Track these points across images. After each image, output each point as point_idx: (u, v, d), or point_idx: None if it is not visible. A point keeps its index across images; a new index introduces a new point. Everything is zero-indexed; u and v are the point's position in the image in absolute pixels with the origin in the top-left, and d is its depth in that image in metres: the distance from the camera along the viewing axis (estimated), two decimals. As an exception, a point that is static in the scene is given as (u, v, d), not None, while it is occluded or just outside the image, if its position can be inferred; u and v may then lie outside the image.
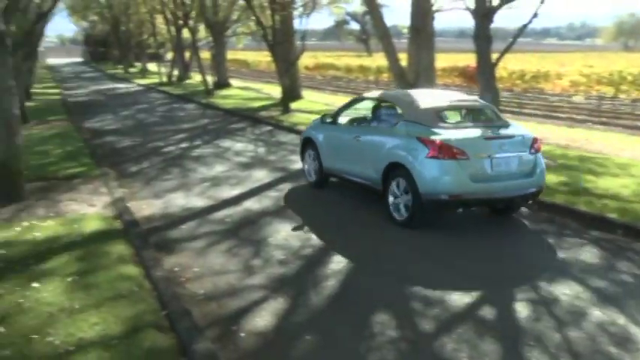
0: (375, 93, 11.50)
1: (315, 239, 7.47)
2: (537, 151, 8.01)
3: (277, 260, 6.75)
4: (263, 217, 8.46)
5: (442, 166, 7.43)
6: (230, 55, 58.50)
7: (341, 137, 9.47)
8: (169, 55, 46.53)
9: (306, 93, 31.44)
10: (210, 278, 6.21)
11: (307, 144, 10.43)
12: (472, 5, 13.20)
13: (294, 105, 22.90)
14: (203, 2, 29.80)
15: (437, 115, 8.06)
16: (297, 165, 12.09)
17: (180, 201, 9.41)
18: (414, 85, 17.05)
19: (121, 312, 5.08)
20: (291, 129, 17.08)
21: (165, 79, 38.68)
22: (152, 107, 25.24)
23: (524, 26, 13.10)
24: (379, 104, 9.65)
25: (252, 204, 9.21)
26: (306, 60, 46.07)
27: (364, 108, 10.48)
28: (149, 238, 7.33)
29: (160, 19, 42.23)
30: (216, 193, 9.90)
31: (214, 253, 7.01)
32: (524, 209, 8.74)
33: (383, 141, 8.35)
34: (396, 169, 7.93)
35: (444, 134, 7.60)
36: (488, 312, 5.46)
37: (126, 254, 6.56)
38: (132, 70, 55.68)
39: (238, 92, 31.24)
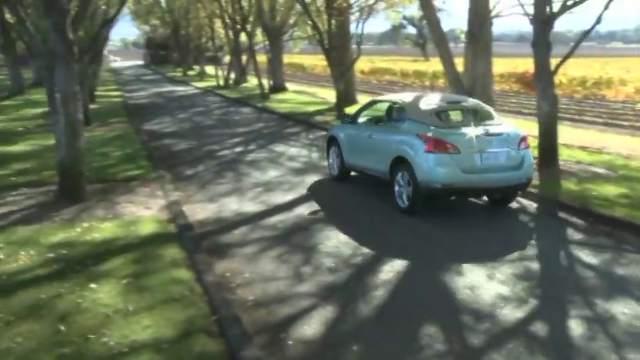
0: (389, 96, 12.32)
1: (365, 249, 7.45)
2: (526, 147, 8.92)
3: (327, 268, 6.76)
4: (314, 224, 8.49)
5: (437, 159, 8.45)
6: (286, 58, 59.02)
7: (358, 135, 10.50)
8: (227, 59, 47.27)
9: (361, 97, 31.42)
10: (260, 284, 6.27)
11: (331, 142, 11.48)
12: (531, 11, 12.89)
13: (348, 109, 22.92)
14: (261, 7, 30.17)
15: (436, 115, 9.17)
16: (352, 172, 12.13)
17: (233, 205, 9.55)
18: (470, 92, 16.86)
19: (172, 316, 5.20)
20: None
21: (222, 82, 39.33)
22: (208, 110, 25.71)
23: (586, 33, 12.65)
24: (391, 106, 10.51)
25: (303, 210, 9.25)
26: (361, 64, 46.05)
27: (379, 109, 11.43)
28: (202, 243, 7.47)
29: (218, 24, 43.01)
30: (269, 199, 10.00)
31: (265, 259, 7.08)
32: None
33: (391, 138, 9.45)
34: (400, 163, 8.95)
35: (439, 131, 8.65)
36: (540, 328, 5.33)
37: (179, 258, 6.71)
38: (190, 73, 56.91)
39: (294, 96, 31.49)
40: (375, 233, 8.13)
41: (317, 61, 50.97)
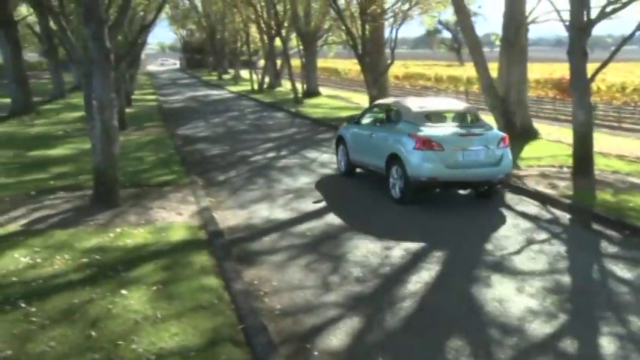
0: (388, 100, 13.09)
1: (395, 258, 7.43)
2: (505, 146, 10.08)
3: (355, 277, 6.77)
4: (343, 233, 8.50)
5: (424, 156, 9.62)
6: (320, 62, 59.14)
7: (361, 135, 11.69)
8: (261, 63, 47.64)
9: (394, 103, 31.36)
10: (288, 293, 6.31)
11: (339, 141, 12.64)
12: (568, 17, 12.69)
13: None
14: (295, 13, 30.33)
15: (426, 117, 10.31)
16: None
17: (263, 212, 9.62)
18: (504, 99, 16.67)
19: (199, 324, 5.26)
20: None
21: (256, 86, 39.65)
22: (242, 115, 25.94)
23: (626, 39, 12.41)
24: (389, 108, 11.37)
25: (333, 218, 9.27)
26: (395, 69, 45.87)
27: (379, 111, 12.06)
28: (231, 250, 7.54)
29: (253, 28, 43.39)
30: (299, 206, 10.04)
31: (293, 267, 7.12)
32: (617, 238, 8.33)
33: (387, 137, 10.62)
34: (394, 159, 10.12)
35: (427, 131, 9.81)
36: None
37: (208, 265, 6.79)
38: (225, 76, 57.54)
39: (327, 101, 31.56)
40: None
41: (351, 66, 50.89)
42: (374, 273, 6.92)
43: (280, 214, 9.56)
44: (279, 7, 33.75)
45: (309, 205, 10.11)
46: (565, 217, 9.41)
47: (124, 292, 5.87)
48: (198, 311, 5.53)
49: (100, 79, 8.90)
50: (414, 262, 7.28)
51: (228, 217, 9.30)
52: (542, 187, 10.91)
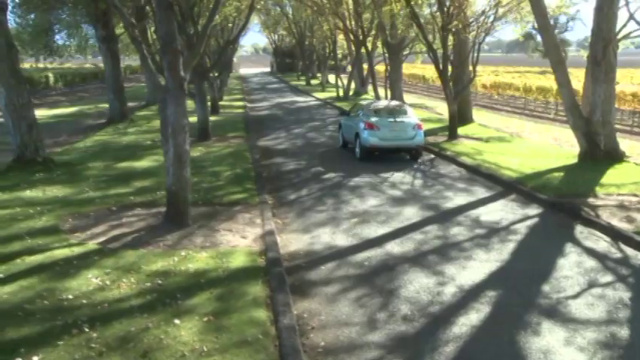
0: (360, 102, 21.69)
1: (447, 295, 7.42)
2: (419, 128, 16.79)
3: (402, 315, 6.83)
4: (401, 264, 8.56)
5: (369, 133, 16.44)
6: (408, 69, 58.86)
7: (347, 122, 18.69)
8: (350, 68, 47.98)
9: (479, 113, 30.85)
10: (334, 330, 6.47)
11: (339, 127, 19.69)
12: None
13: (462, 130, 22.57)
14: (382, 23, 30.36)
15: (373, 111, 17.36)
16: (450, 204, 12.09)
17: (326, 237, 9.83)
18: (588, 120, 16.02)
19: (242, 360, 5.52)
20: (453, 159, 16.90)
21: (341, 93, 40.01)
22: (324, 125, 26.30)
23: None
24: (359, 107, 18.77)
25: (393, 247, 9.34)
26: (484, 77, 44.93)
27: (355, 108, 19.06)
28: (286, 279, 7.76)
29: (341, 36, 43.81)
30: (362, 231, 10.17)
31: (344, 301, 7.27)
32: None
33: (356, 123, 17.28)
34: (357, 135, 17.01)
35: (372, 119, 16.60)
36: None
37: (261, 296, 7.06)
38: (313, 82, 58.33)
39: (410, 111, 31.34)
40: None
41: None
42: (423, 311, 6.95)
43: (342, 240, 9.72)
44: (366, 16, 34.01)
45: (372, 230, 10.22)
46: (637, 257, 9.00)
47: (177, 321, 6.23)
48: (242, 347, 5.78)
49: (174, 106, 9.40)
50: (465, 302, 7.24)
51: (291, 242, 9.57)
52: (616, 221, 10.46)
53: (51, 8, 24.03)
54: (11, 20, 29.39)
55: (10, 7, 23.93)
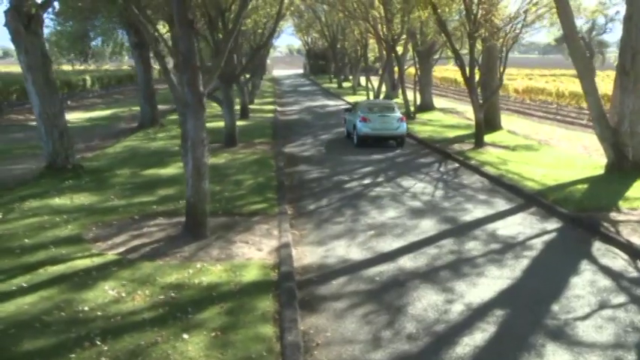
0: (357, 101, 27.00)
1: (454, 314, 7.48)
2: (402, 121, 21.18)
3: (407, 334, 6.92)
4: (411, 280, 8.64)
5: (363, 124, 20.76)
6: (440, 72, 58.52)
7: (349, 117, 23.16)
8: (381, 71, 47.99)
9: (510, 119, 30.57)
10: (338, 347, 6.60)
11: (344, 120, 24.37)
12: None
13: (490, 137, 22.45)
14: (411, 29, 30.36)
15: (367, 107, 21.69)
16: (468, 217, 12.10)
17: (340, 250, 9.96)
18: (615, 130, 15.79)
19: (244, 378, 5.70)
20: (477, 169, 16.84)
21: (372, 97, 40.03)
22: (351, 131, 26.36)
23: None
24: (357, 104, 23.35)
25: (406, 261, 9.42)
26: (516, 82, 44.45)
27: (354, 106, 24.08)
28: (296, 295, 7.91)
29: (372, 39, 43.80)
30: (377, 245, 10.27)
31: (351, 317, 7.39)
32: None
33: (354, 117, 21.71)
34: (354, 126, 21.30)
35: (366, 114, 21.03)
36: None
37: (269, 311, 7.23)
38: (345, 84, 58.46)
39: (439, 117, 31.33)
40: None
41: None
42: (428, 330, 7.03)
43: (356, 253, 9.84)
44: (397, 20, 33.94)
45: (387, 244, 10.31)
46: None
47: (185, 336, 6.44)
48: (245, 364, 5.96)
49: (193, 120, 9.66)
50: (471, 321, 7.29)
51: (306, 255, 9.73)
52: (637, 237, 10.35)
53: (86, 17, 24.73)
54: (52, 26, 30.31)
55: (50, 15, 24.79)
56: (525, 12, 19.75)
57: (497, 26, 19.66)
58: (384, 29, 34.88)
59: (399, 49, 35.98)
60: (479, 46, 21.73)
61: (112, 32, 28.08)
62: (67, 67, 45.69)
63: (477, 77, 21.23)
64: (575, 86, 36.07)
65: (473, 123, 25.83)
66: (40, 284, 7.82)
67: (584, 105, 33.22)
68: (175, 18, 9.63)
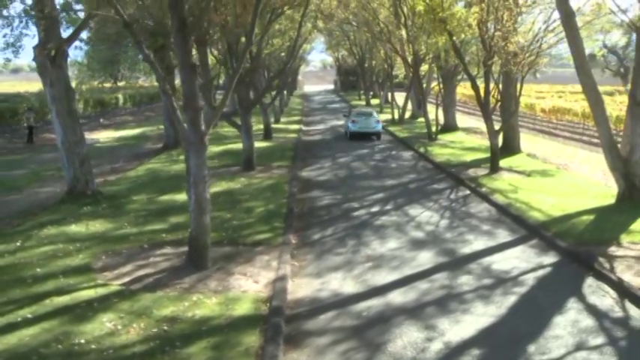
0: (352, 109, 38.07)
1: (431, 353, 7.77)
2: (379, 123, 32.66)
3: (382, 373, 7.24)
4: (397, 316, 8.92)
5: (353, 124, 32.28)
6: (467, 89, 58.23)
7: (346, 121, 34.35)
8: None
9: (535, 140, 30.63)
10: (313, 385, 6.97)
11: (345, 124, 34.64)
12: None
13: (507, 161, 22.57)
14: (436, 52, 30.65)
15: (356, 113, 34.00)
16: (468, 249, 12.32)
17: (335, 284, 10.30)
18: (626, 160, 15.81)
19: (215, 415, 6.11)
20: (486, 197, 16.98)
21: (397, 115, 40.43)
22: (371, 153, 26.79)
23: None
24: (351, 111, 36.01)
25: (395, 296, 9.71)
26: (544, 102, 44.22)
27: (349, 112, 36.00)
28: (284, 328, 8.30)
29: (399, 59, 44.20)
30: (372, 278, 10.59)
31: (331, 354, 7.73)
32: None
33: (349, 120, 33.37)
34: (348, 126, 32.95)
35: (355, 117, 32.91)
36: None
37: (254, 346, 7.63)
38: (373, 101, 58.89)
39: (461, 138, 31.46)
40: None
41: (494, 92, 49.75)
42: (403, 370, 7.35)
43: (349, 287, 10.17)
44: (421, 40, 34.24)
45: (381, 277, 10.62)
46: (639, 317, 9.01)
47: (169, 372, 6.91)
48: (219, 401, 6.38)
49: (195, 158, 10.20)
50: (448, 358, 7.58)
51: (301, 287, 10.11)
52: (630, 275, 10.43)
53: (115, 42, 25.79)
54: (85, 50, 31.48)
55: (82, 41, 25.90)
56: (539, 40, 19.88)
57: (512, 53, 19.79)
58: (409, 49, 35.29)
59: (424, 68, 36.30)
60: (496, 67, 21.88)
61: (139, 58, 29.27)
62: (107, 84, 47.28)
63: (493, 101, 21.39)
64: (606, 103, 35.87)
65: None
66: (43, 315, 8.38)
67: (612, 126, 33.08)
68: (179, 62, 10.20)
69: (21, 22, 14.86)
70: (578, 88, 62.89)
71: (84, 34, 24.29)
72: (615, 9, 14.97)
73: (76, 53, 31.40)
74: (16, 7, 16.55)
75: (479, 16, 19.36)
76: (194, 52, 30.76)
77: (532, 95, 53.68)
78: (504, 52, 19.62)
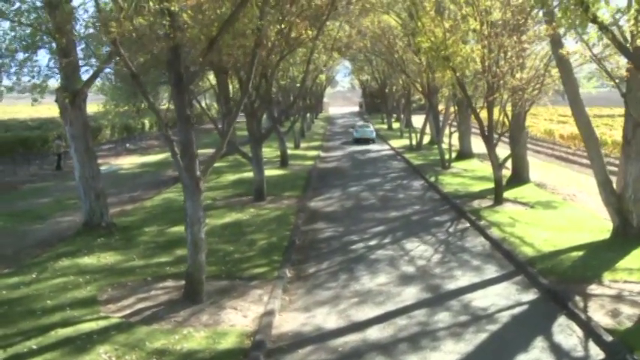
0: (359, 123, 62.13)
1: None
2: (373, 131, 51.64)
3: (344, 408, 7.95)
4: (370, 352, 9.61)
5: (355, 132, 51.05)
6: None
7: (352, 132, 51.92)
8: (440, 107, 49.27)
9: (549, 167, 30.89)
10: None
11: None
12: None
13: (513, 192, 23.01)
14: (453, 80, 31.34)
15: (358, 126, 54.09)
16: (452, 285, 12.90)
17: (319, 318, 11.04)
18: (620, 196, 16.25)
19: None
20: (483, 231, 17.43)
21: (415, 141, 41.07)
22: (381, 183, 27.44)
23: None
24: (355, 125, 56.42)
25: (372, 332, 10.39)
26: (564, 128, 44.37)
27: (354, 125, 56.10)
28: (262, 363, 9.09)
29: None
30: (355, 313, 11.28)
31: (302, 388, 8.49)
32: None
33: (354, 130, 52.29)
34: (353, 134, 51.35)
35: (357, 129, 52.44)
36: None
37: (230, 380, 8.43)
38: (395, 125, 59.72)
39: (474, 166, 31.88)
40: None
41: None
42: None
43: (332, 322, 10.88)
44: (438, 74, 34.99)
45: (364, 313, 11.29)
46: (598, 358, 9.49)
47: (150, 402, 7.73)
48: None
49: (191, 201, 11.11)
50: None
51: (287, 322, 10.87)
52: (600, 315, 10.84)
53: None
54: (111, 80, 32.92)
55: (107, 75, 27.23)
56: (537, 78, 20.47)
57: (514, 88, 20.39)
58: (424, 78, 36.05)
59: (443, 94, 36.95)
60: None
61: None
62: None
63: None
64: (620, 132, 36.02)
65: (507, 173, 26.45)
66: (47, 347, 9.31)
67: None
68: (176, 112, 11.17)
69: (49, 70, 16.08)
70: (607, 109, 62.23)
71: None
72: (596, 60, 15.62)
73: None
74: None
75: (481, 53, 20.03)
76: (213, 79, 32.10)
77: (554, 119, 53.72)
78: (505, 87, 20.23)
